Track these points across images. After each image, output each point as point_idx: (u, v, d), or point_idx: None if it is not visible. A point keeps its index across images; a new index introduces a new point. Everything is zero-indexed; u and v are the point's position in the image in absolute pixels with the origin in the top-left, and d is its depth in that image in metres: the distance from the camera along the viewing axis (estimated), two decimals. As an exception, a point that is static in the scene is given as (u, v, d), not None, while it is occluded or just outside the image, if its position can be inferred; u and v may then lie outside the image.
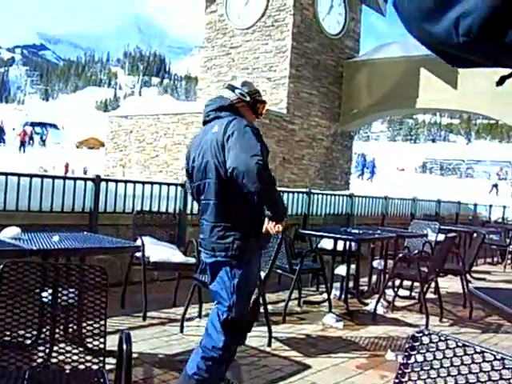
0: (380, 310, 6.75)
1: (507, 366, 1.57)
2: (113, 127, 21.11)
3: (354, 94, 20.94)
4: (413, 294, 7.87)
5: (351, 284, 7.41)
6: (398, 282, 7.68)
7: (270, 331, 5.10)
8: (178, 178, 16.97)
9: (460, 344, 1.67)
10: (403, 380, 1.76)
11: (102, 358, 2.74)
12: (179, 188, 7.99)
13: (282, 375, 4.35)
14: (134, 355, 4.11)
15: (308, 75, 19.76)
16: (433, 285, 7.01)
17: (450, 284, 8.51)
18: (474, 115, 26.90)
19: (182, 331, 5.33)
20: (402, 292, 7.64)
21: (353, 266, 7.29)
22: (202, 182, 3.58)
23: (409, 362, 1.77)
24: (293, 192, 10.28)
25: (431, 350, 1.73)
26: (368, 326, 6.15)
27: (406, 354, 1.77)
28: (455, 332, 6.26)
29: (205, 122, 3.79)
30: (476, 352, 1.65)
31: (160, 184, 7.82)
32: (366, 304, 7.21)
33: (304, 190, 10.98)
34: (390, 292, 7.60)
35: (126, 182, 7.41)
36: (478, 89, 18.39)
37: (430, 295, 7.20)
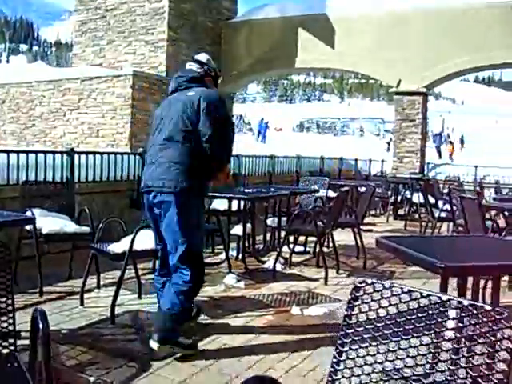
0: (278, 267, 6.82)
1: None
2: (-18, 97, 19.86)
3: (233, 55, 20.87)
4: (307, 249, 8.03)
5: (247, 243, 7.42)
6: (292, 239, 7.78)
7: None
8: (58, 147, 16.32)
9: (405, 290, 1.66)
10: (348, 332, 1.74)
11: (12, 341, 2.55)
12: (65, 156, 7.63)
13: (193, 339, 4.28)
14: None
15: (186, 37, 19.46)
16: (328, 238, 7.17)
17: (340, 237, 8.74)
18: (353, 73, 27.63)
19: (82, 304, 5.12)
20: (296, 248, 7.75)
21: (248, 225, 7.29)
22: (166, 128, 4.10)
23: (352, 313, 1.75)
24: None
25: (375, 298, 1.71)
26: (269, 284, 6.20)
27: (349, 305, 1.75)
28: (353, 282, 6.44)
29: (174, 91, 4.32)
30: (423, 296, 1.64)
31: (45, 153, 7.42)
32: (264, 262, 7.27)
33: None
34: (285, 249, 7.69)
35: (7, 151, 6.96)
36: (355, 49, 18.91)
37: (324, 249, 7.36)
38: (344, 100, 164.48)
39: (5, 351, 2.54)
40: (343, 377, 1.72)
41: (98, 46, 20.01)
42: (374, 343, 1.70)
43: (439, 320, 1.59)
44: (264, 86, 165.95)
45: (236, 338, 4.33)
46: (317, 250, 7.46)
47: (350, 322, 1.75)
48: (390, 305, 1.68)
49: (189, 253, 3.97)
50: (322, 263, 6.60)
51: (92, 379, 3.50)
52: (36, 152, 7.34)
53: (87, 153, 8.28)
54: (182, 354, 3.94)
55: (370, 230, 10.41)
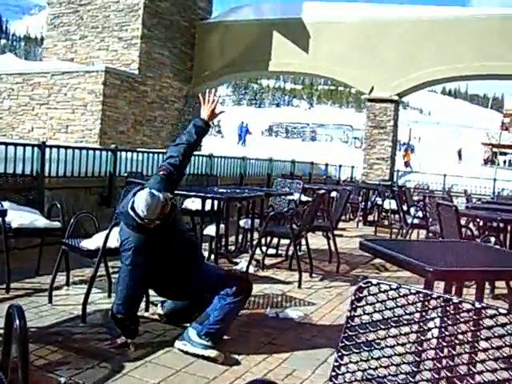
0: (251, 269, 6.72)
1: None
2: None
3: (207, 55, 20.78)
4: (279, 251, 7.96)
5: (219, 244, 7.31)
6: (263, 241, 7.69)
7: (147, 295, 4.88)
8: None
9: (413, 291, 1.58)
10: (351, 333, 1.65)
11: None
12: (36, 149, 7.42)
13: (167, 340, 4.16)
14: (0, 331, 3.75)
15: (160, 36, 19.33)
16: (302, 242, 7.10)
17: (311, 241, 8.68)
18: (326, 79, 27.70)
19: (50, 301, 4.95)
20: (269, 250, 7.67)
21: (221, 226, 7.18)
22: None
23: (354, 314, 1.67)
24: (148, 152, 9.94)
25: (380, 299, 1.63)
26: (242, 286, 6.09)
27: (353, 306, 1.66)
28: (327, 286, 6.40)
29: None
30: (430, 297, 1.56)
31: (15, 145, 7.20)
32: (236, 263, 7.17)
33: (161, 150, 10.73)
34: (257, 251, 7.60)
35: (-25, 143, 6.74)
36: (329, 54, 18.94)
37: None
38: (313, 106, 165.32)
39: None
40: (345, 381, 1.63)
41: (70, 41, 19.70)
42: (378, 346, 1.61)
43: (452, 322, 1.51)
44: (234, 89, 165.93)
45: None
46: (289, 252, 7.40)
47: (353, 323, 1.66)
48: (397, 306, 1.60)
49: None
50: (295, 266, 6.53)
51: (63, 380, 3.34)
52: (6, 144, 7.12)
53: (58, 147, 8.06)
54: (153, 356, 3.82)
55: (341, 235, 10.38)
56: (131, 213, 3.93)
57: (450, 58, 17.65)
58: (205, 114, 4.51)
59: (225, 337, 4.29)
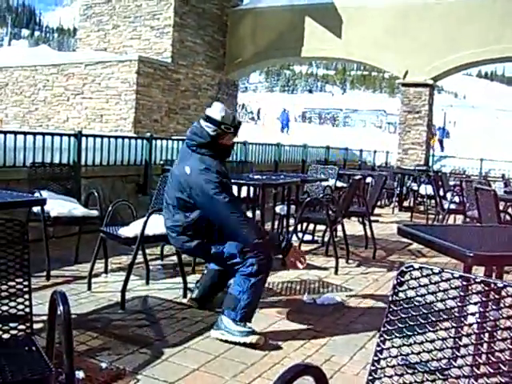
0: (288, 256, 6.71)
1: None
2: (-15, 80, 19.73)
3: (239, 42, 20.75)
4: (315, 238, 7.94)
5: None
6: (299, 227, 7.68)
7: (184, 282, 4.92)
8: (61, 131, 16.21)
9: (456, 275, 1.56)
10: (393, 318, 1.64)
11: (28, 324, 2.45)
12: (72, 139, 7.52)
13: (205, 326, 4.19)
14: (44, 317, 3.82)
15: (192, 23, 19.33)
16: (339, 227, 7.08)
17: (348, 227, 8.64)
18: (359, 64, 27.44)
19: (89, 288, 5.02)
20: (305, 237, 7.66)
21: (258, 213, 7.18)
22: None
23: (396, 298, 1.66)
24: (183, 140, 9.94)
25: (422, 283, 1.62)
26: (278, 272, 6.09)
27: (395, 290, 1.65)
28: (363, 272, 6.38)
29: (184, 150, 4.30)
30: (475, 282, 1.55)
31: (52, 135, 7.31)
32: (273, 250, 7.16)
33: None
34: (293, 237, 7.59)
35: (15, 133, 6.85)
36: (362, 39, 18.74)
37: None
38: (346, 91, 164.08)
39: (21, 334, 2.44)
40: (387, 366, 1.63)
41: (102, 31, 19.85)
42: (421, 330, 1.60)
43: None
44: (266, 76, 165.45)
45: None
46: (325, 239, 7.38)
47: (395, 307, 1.65)
48: (440, 291, 1.58)
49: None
50: (332, 252, 6.52)
51: (104, 365, 3.40)
52: (43, 134, 7.23)
53: (94, 136, 8.16)
54: (191, 342, 3.86)
55: (377, 221, 10.32)
56: (205, 124, 4.13)
57: (487, 40, 17.32)
58: (287, 259, 4.37)
59: (263, 323, 4.31)
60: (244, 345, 3.83)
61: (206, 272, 4.71)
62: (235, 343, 3.85)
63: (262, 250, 3.96)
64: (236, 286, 3.99)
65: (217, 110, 4.15)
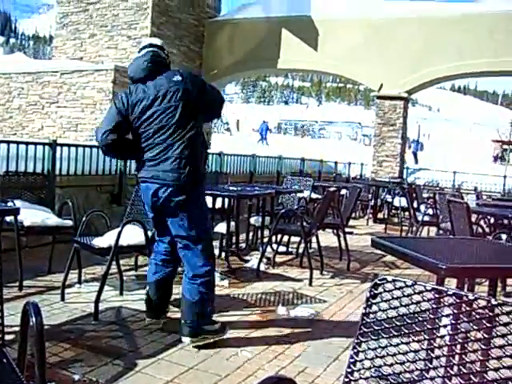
0: (262, 267, 6.73)
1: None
2: (-42, 87, 19.49)
3: (216, 53, 20.78)
4: (289, 249, 7.96)
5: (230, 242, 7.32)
6: (274, 239, 7.69)
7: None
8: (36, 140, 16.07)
9: (429, 288, 1.58)
10: (366, 330, 1.65)
11: (-1, 335, 2.43)
12: (47, 148, 7.46)
13: (178, 338, 4.17)
14: (16, 328, 3.77)
15: (169, 34, 19.34)
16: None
17: (322, 238, 8.67)
18: (335, 76, 27.63)
19: (62, 299, 4.97)
20: (279, 248, 7.67)
21: (232, 224, 7.19)
22: (169, 122, 4.05)
23: (370, 310, 1.67)
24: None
25: (395, 296, 1.63)
26: (253, 283, 6.11)
27: (368, 303, 1.67)
28: (337, 283, 6.40)
29: (143, 78, 4.20)
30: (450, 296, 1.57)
31: (27, 144, 7.24)
32: (247, 261, 7.18)
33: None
34: (268, 249, 7.60)
35: (-13, 141, 6.80)
36: (338, 51, 18.89)
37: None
38: (321, 103, 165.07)
39: (-10, 346, 2.41)
40: (360, 378, 1.64)
41: (79, 40, 19.76)
42: (393, 342, 1.62)
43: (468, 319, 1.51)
44: (242, 87, 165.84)
45: (223, 337, 4.22)
46: (300, 250, 7.40)
47: (368, 319, 1.66)
48: (413, 303, 1.60)
49: (208, 245, 4.24)
50: (306, 264, 6.54)
51: (76, 377, 3.37)
52: (17, 142, 7.18)
53: (69, 145, 8.11)
54: (165, 354, 3.84)
55: (351, 233, 10.37)
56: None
57: (460, 55, 17.57)
58: None
59: (236, 333, 4.31)
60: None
61: (148, 288, 4.55)
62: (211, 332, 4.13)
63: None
64: (186, 292, 4.14)
65: (157, 39, 4.61)
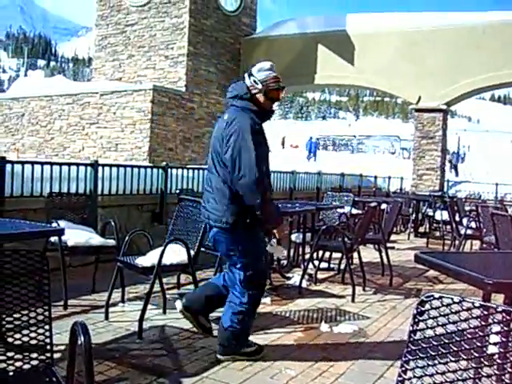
0: (304, 284, 6.71)
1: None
2: (3, 110, 20.01)
3: (253, 71, 20.84)
4: (331, 265, 7.92)
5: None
6: (315, 255, 7.66)
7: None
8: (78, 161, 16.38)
9: (477, 304, 1.56)
10: (414, 348, 1.64)
11: (48, 355, 2.46)
12: (89, 168, 7.59)
13: (222, 355, 4.18)
14: (62, 347, 3.83)
15: (206, 53, 19.54)
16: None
17: (364, 254, 8.61)
18: (372, 90, 27.56)
19: (107, 318, 5.04)
20: (321, 264, 7.64)
21: (273, 241, 7.17)
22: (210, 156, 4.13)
23: (417, 328, 1.66)
24: (198, 169, 9.99)
25: (443, 313, 1.61)
26: (295, 300, 6.09)
27: (415, 320, 1.65)
28: (380, 299, 6.34)
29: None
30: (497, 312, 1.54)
31: (69, 164, 7.38)
32: (288, 278, 7.16)
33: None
34: (309, 265, 7.57)
35: (32, 163, 6.93)
36: (374, 65, 18.82)
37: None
38: (359, 118, 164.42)
39: (41, 364, 2.45)
40: (409, 396, 1.62)
41: (117, 61, 20.12)
42: (442, 360, 1.60)
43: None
44: (280, 103, 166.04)
45: (266, 355, 4.21)
46: (342, 266, 7.36)
47: (416, 337, 1.65)
48: (460, 320, 1.58)
49: (248, 278, 4.06)
50: (348, 280, 6.49)
51: (122, 395, 3.40)
52: (60, 164, 7.31)
53: (111, 165, 8.22)
54: (210, 372, 3.86)
55: (392, 248, 10.26)
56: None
57: (499, 64, 17.34)
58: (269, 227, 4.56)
59: (279, 352, 4.30)
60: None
61: (204, 284, 4.66)
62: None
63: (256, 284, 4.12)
64: (223, 314, 4.19)
65: (262, 64, 4.17)
